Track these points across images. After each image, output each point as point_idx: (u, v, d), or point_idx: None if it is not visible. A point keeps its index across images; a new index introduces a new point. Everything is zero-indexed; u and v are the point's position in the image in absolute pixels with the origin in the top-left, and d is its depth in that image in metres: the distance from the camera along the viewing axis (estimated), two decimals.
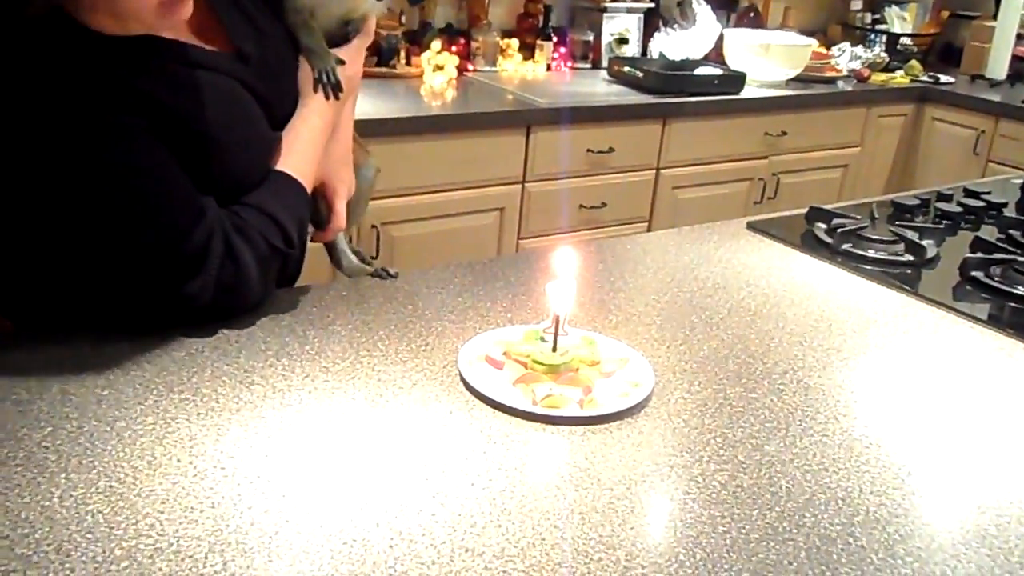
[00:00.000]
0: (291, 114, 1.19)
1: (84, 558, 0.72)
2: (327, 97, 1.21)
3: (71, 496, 0.79)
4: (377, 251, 2.50)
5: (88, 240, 1.01)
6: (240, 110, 1.11)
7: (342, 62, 1.23)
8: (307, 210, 1.19)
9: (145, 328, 1.06)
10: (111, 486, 0.80)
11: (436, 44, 2.97)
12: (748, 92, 3.23)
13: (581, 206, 2.88)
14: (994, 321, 1.33)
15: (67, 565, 0.71)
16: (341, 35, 1.25)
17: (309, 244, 1.27)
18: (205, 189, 1.05)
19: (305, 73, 1.21)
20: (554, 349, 1.05)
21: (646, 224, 3.06)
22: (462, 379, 1.03)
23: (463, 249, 2.64)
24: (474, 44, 3.13)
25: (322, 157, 1.22)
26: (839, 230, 1.59)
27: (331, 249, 1.36)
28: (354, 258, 1.36)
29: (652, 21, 3.48)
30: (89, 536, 0.74)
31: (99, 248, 1.01)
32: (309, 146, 1.19)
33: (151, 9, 0.99)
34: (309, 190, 1.19)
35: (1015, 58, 3.84)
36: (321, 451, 0.88)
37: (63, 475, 0.81)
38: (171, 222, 1.02)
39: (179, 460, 0.85)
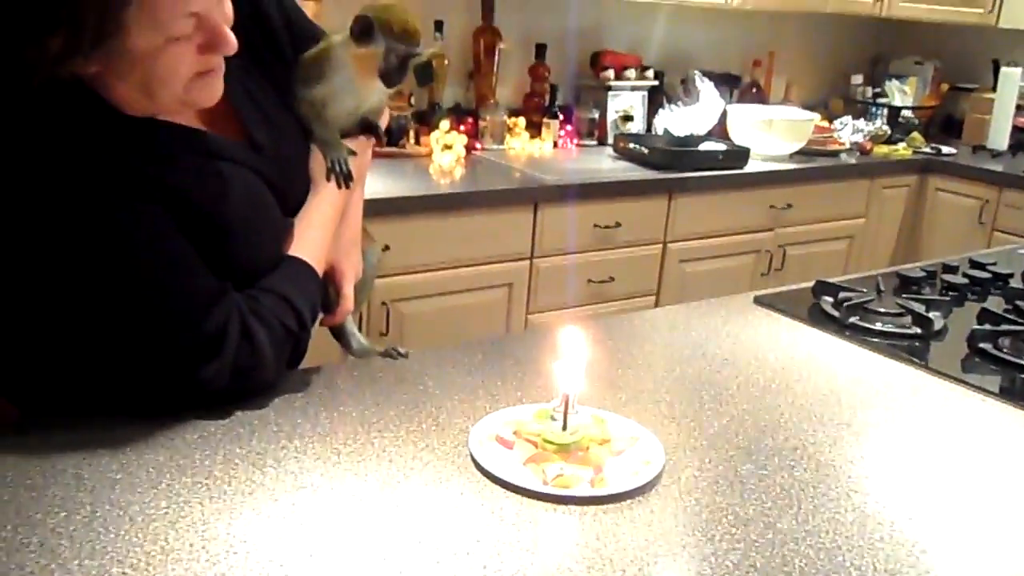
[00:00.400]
0: (302, 200, 1.22)
1: None
2: (339, 186, 1.24)
3: None
4: (387, 328, 2.51)
5: (104, 324, 1.03)
6: (255, 198, 1.14)
7: (353, 153, 1.26)
8: (319, 293, 1.21)
9: (158, 411, 1.07)
10: (124, 573, 0.81)
11: (445, 124, 3.03)
12: (752, 166, 3.27)
13: (589, 281, 2.90)
14: (1004, 393, 1.33)
15: None
16: (352, 128, 1.28)
17: (316, 326, 1.29)
18: (221, 274, 1.07)
19: (317, 162, 1.24)
20: (564, 428, 1.05)
21: (654, 298, 3.08)
22: (473, 459, 1.03)
23: (472, 325, 2.65)
24: (482, 123, 3.19)
25: (332, 242, 1.25)
26: (846, 303, 1.60)
27: (339, 332, 1.38)
28: (363, 339, 1.37)
29: (656, 98, 3.55)
30: None
31: (115, 332, 1.03)
32: (321, 232, 1.22)
33: (182, 80, 1.01)
34: (320, 274, 1.21)
35: (1016, 129, 3.89)
36: (333, 534, 0.88)
37: (76, 561, 0.82)
38: (188, 306, 1.03)
39: (191, 545, 0.85)
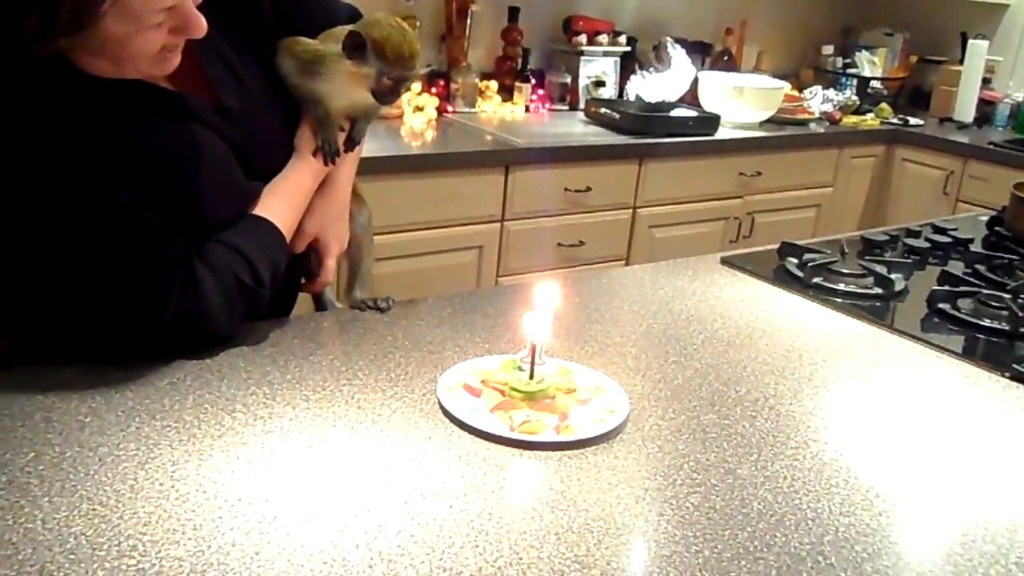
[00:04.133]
0: (274, 167, 1.23)
1: None
2: (325, 164, 1.25)
3: (54, 519, 0.80)
4: None
5: (48, 266, 1.02)
6: (215, 160, 1.13)
7: (343, 129, 1.28)
8: (281, 253, 1.20)
9: (127, 357, 1.07)
10: (94, 509, 0.81)
11: (416, 86, 3.02)
12: (722, 133, 3.29)
13: (559, 244, 2.92)
14: (960, 351, 1.36)
15: None
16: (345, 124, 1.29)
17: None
18: (176, 231, 1.08)
19: (304, 135, 1.25)
20: (531, 377, 1.07)
21: (623, 262, 3.10)
22: (441, 407, 1.05)
23: (443, 286, 2.66)
24: (454, 86, 3.18)
25: (319, 213, 1.27)
26: (810, 264, 1.63)
27: (318, 299, 1.39)
28: (340, 306, 1.38)
29: (628, 64, 3.56)
30: (72, 557, 0.75)
31: (58, 274, 1.03)
32: (295, 197, 1.23)
33: (149, 57, 1.01)
34: (288, 237, 1.21)
35: (982, 101, 3.94)
36: (302, 476, 0.90)
37: (46, 499, 0.82)
38: (130, 252, 1.03)
39: (161, 484, 0.86)
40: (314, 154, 1.25)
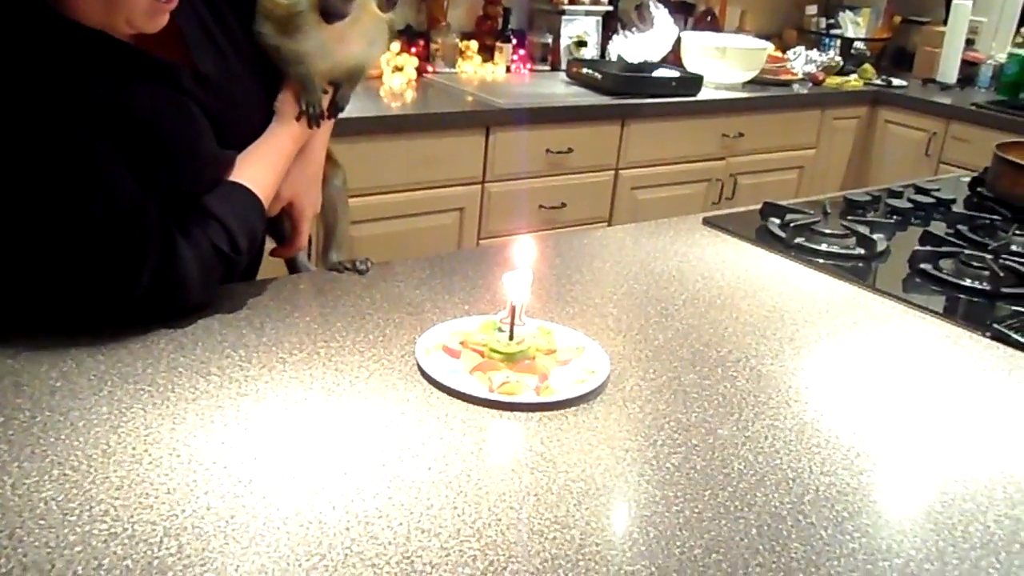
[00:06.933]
0: (250, 134, 1.20)
1: (37, 543, 0.71)
2: (308, 127, 1.23)
3: (23, 484, 0.78)
4: None
5: (25, 228, 1.00)
6: (185, 126, 1.10)
7: (327, 92, 1.26)
8: (259, 220, 1.18)
9: (97, 323, 1.05)
10: (64, 474, 0.80)
11: (395, 45, 2.98)
12: (705, 94, 3.26)
13: (541, 206, 2.90)
14: (942, 311, 1.36)
15: (19, 550, 0.70)
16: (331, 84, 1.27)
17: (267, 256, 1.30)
18: (154, 199, 1.05)
19: (287, 99, 1.23)
20: (511, 338, 1.06)
21: (606, 224, 3.08)
22: (419, 368, 1.03)
23: (423, 249, 2.64)
24: (433, 46, 3.14)
25: (294, 177, 1.25)
26: (792, 224, 1.62)
27: (292, 263, 1.37)
28: (314, 269, 1.37)
29: (610, 24, 3.51)
30: (42, 523, 0.74)
31: (35, 237, 1.01)
32: (275, 161, 1.21)
33: (143, 7, 1.00)
34: (267, 203, 1.19)
35: (965, 62, 3.93)
36: (278, 438, 0.88)
37: (15, 464, 0.81)
38: (106, 215, 1.01)
39: (134, 448, 0.85)
40: (297, 118, 1.23)
